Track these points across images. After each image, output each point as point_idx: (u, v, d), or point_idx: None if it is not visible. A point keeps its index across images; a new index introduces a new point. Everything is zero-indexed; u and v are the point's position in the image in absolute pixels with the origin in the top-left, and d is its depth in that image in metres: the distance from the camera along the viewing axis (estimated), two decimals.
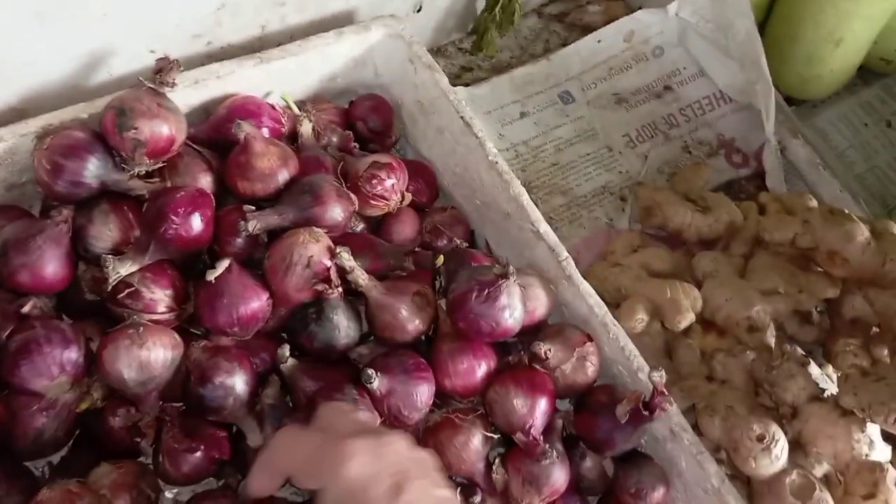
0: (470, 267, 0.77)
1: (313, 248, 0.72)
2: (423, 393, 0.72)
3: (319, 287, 0.72)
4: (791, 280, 0.90)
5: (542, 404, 0.73)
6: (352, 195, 0.79)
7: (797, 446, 0.78)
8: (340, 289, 0.73)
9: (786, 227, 0.92)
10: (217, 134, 0.80)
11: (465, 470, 0.72)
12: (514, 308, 0.73)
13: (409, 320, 0.75)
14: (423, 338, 0.77)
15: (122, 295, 0.69)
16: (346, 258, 0.72)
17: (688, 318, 0.85)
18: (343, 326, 0.74)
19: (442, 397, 0.75)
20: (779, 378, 0.79)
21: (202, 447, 0.68)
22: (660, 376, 0.70)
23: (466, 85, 1.07)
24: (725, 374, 0.84)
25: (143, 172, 0.73)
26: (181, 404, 0.71)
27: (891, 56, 1.19)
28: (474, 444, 0.72)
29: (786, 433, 0.76)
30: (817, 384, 0.79)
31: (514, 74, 1.10)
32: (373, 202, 0.82)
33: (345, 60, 0.89)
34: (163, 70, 0.73)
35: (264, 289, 0.72)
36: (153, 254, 0.70)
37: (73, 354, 0.65)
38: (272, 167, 0.76)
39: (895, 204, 1.15)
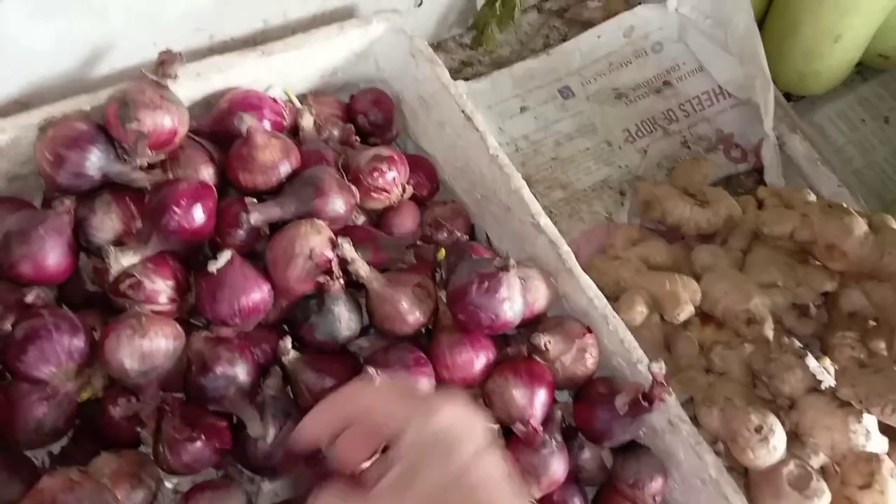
0: (470, 259, 0.77)
1: (315, 240, 0.72)
2: (423, 387, 0.72)
3: (321, 279, 0.73)
4: (789, 273, 0.91)
5: (542, 395, 0.73)
6: (353, 188, 0.79)
7: (794, 438, 0.78)
8: (342, 280, 0.74)
9: (784, 221, 0.92)
10: (219, 127, 0.80)
11: None
12: (514, 300, 0.74)
13: (410, 312, 0.75)
14: (423, 330, 0.78)
15: (123, 286, 0.69)
16: (348, 249, 0.72)
17: (687, 311, 0.86)
18: (344, 318, 0.74)
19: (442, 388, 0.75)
20: (777, 370, 0.80)
21: (203, 437, 0.68)
22: (660, 367, 0.71)
23: (466, 80, 1.07)
24: (724, 366, 0.84)
25: (145, 164, 0.73)
26: (182, 394, 0.72)
27: (889, 52, 1.20)
28: None
29: (783, 425, 0.77)
30: (815, 376, 0.79)
31: (515, 69, 1.10)
32: (374, 195, 0.82)
33: (346, 54, 0.89)
34: (165, 63, 0.73)
35: (266, 280, 0.73)
36: (155, 245, 0.70)
37: (80, 342, 0.66)
38: (274, 160, 0.77)
39: (893, 199, 1.15)
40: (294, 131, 0.85)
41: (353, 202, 0.79)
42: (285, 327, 0.77)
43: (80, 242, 0.72)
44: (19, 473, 0.65)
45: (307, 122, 0.85)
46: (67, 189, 0.71)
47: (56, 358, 0.64)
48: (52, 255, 0.69)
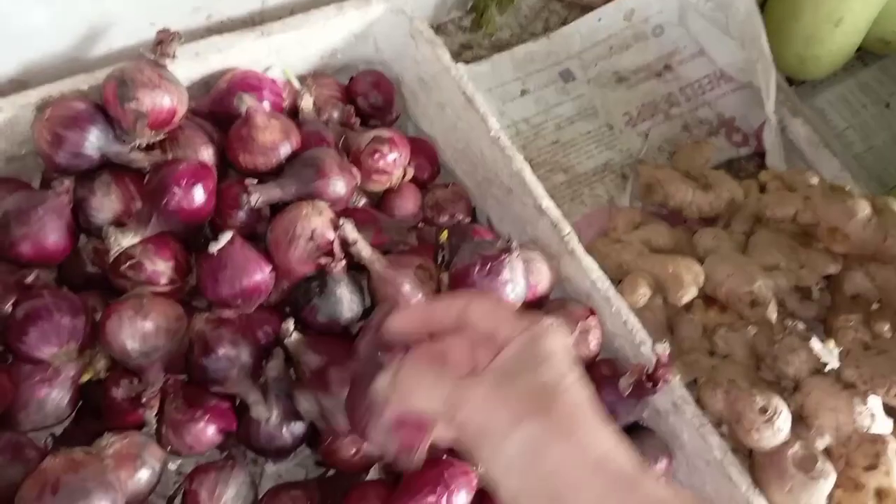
0: (472, 241, 0.77)
1: (316, 221, 0.72)
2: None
3: (322, 260, 0.72)
4: (792, 256, 0.90)
5: None
6: (354, 169, 0.78)
7: (799, 419, 0.78)
8: (344, 262, 0.73)
9: (787, 204, 0.92)
10: (218, 107, 0.79)
11: None
12: (516, 283, 0.73)
13: (412, 294, 0.74)
14: None
15: (124, 267, 0.69)
16: (350, 229, 0.72)
17: (690, 293, 0.85)
18: (346, 300, 0.74)
19: None
20: (781, 352, 0.80)
21: (206, 418, 0.68)
22: (664, 348, 0.71)
23: (466, 63, 1.07)
24: (727, 348, 0.84)
25: (144, 145, 0.72)
26: (185, 376, 0.71)
27: (890, 37, 1.19)
28: None
29: (788, 406, 0.76)
30: (819, 358, 0.79)
31: (515, 52, 1.09)
32: (374, 177, 0.82)
33: (345, 35, 0.88)
34: (163, 42, 0.73)
35: (267, 262, 0.72)
36: (155, 226, 0.70)
37: (80, 323, 0.65)
38: (274, 140, 0.76)
39: (894, 184, 1.15)
40: (293, 113, 0.85)
41: (354, 183, 0.78)
42: (287, 309, 0.76)
43: (80, 223, 0.71)
44: (22, 455, 0.64)
45: (307, 103, 0.84)
46: (66, 169, 0.70)
47: (57, 338, 0.64)
48: (52, 235, 0.68)
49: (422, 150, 0.90)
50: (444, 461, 0.67)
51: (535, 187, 0.81)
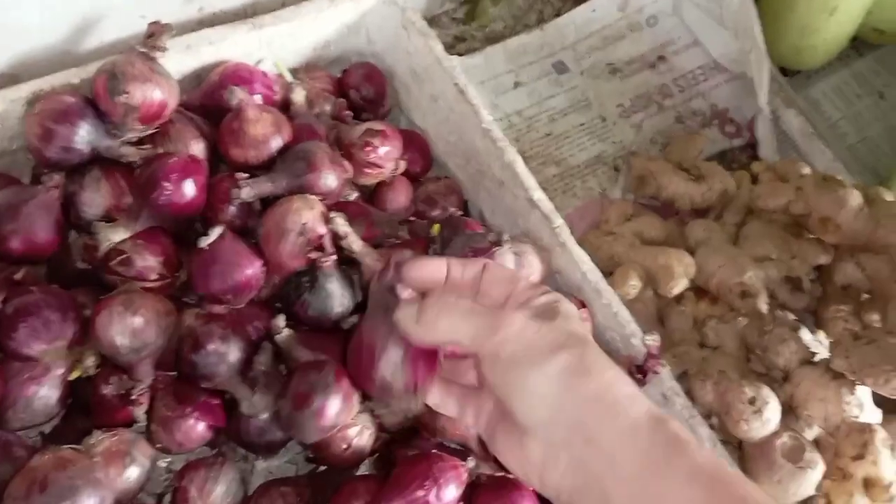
0: (464, 234, 0.77)
1: (307, 215, 0.72)
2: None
3: (313, 255, 0.72)
4: (783, 247, 0.90)
5: None
6: (346, 162, 0.78)
7: (788, 410, 0.78)
8: (334, 257, 0.73)
9: (779, 194, 0.92)
10: (209, 101, 0.79)
11: (459, 435, 0.72)
12: None
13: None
14: None
15: (114, 262, 0.68)
16: (341, 223, 0.72)
17: (680, 284, 0.85)
18: (337, 295, 0.73)
19: None
20: (771, 343, 0.80)
21: (196, 414, 0.67)
22: (653, 340, 0.71)
23: (460, 55, 1.06)
24: (717, 340, 0.84)
25: (135, 139, 0.72)
26: (174, 373, 0.71)
27: (884, 27, 1.19)
28: None
29: (777, 397, 0.77)
30: (809, 348, 0.79)
31: (508, 44, 1.09)
32: (367, 170, 0.82)
33: (337, 27, 0.88)
34: (154, 34, 0.72)
35: (258, 256, 0.72)
36: (145, 220, 0.70)
37: (70, 319, 0.65)
38: (265, 134, 0.76)
39: (887, 175, 1.15)
40: (285, 106, 0.84)
41: (346, 177, 0.78)
42: (277, 304, 0.77)
43: (70, 219, 0.71)
44: (10, 453, 0.63)
45: (298, 96, 0.84)
46: (56, 164, 0.70)
47: (46, 335, 0.63)
48: (42, 230, 0.68)
49: (414, 142, 0.90)
50: (434, 455, 0.67)
51: (526, 179, 0.81)
